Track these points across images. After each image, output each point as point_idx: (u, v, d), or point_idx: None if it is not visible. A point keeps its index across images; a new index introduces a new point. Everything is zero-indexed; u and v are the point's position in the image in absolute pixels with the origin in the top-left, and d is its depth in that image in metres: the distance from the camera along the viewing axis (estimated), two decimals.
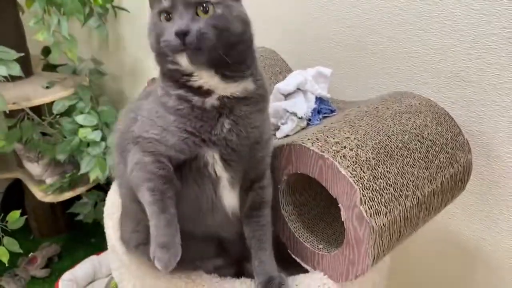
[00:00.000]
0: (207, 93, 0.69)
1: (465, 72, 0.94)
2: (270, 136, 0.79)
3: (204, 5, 0.63)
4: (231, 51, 0.66)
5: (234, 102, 0.70)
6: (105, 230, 0.94)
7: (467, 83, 0.94)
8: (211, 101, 0.69)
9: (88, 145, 1.73)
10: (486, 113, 0.92)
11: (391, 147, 0.78)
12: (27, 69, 1.79)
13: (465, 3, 0.90)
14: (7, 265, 1.67)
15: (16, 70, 1.54)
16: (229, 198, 0.78)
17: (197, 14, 0.63)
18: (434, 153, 0.82)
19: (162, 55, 0.68)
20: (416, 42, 1.00)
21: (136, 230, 0.85)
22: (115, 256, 0.91)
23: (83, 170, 1.72)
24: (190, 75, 0.68)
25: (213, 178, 0.74)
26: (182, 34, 0.62)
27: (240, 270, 0.89)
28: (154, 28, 0.66)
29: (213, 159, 0.72)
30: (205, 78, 0.68)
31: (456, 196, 0.89)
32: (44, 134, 1.80)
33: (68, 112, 1.75)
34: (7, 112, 1.60)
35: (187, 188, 0.75)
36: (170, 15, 0.64)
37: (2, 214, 1.72)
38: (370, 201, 0.71)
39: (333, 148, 0.74)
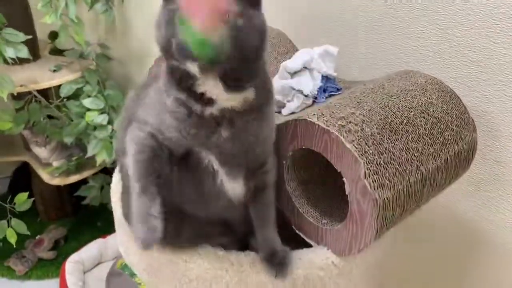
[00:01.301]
0: (208, 102, 0.66)
1: (471, 52, 0.94)
2: (271, 130, 0.77)
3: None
4: (243, 64, 0.62)
5: (233, 113, 0.67)
6: (112, 204, 0.96)
7: (473, 63, 0.94)
8: (211, 110, 0.66)
9: (95, 128, 1.75)
10: (492, 93, 0.92)
11: (396, 123, 0.78)
12: (34, 52, 1.80)
13: None
14: (14, 246, 1.70)
15: (24, 52, 1.55)
16: (232, 188, 0.77)
17: None
18: (439, 130, 0.82)
19: (169, 53, 0.61)
20: (422, 21, 1.00)
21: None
22: (122, 230, 0.92)
23: (90, 153, 1.74)
24: (193, 78, 0.64)
25: (211, 171, 0.73)
26: None
27: (245, 245, 0.90)
28: (166, 27, 0.60)
29: (208, 158, 0.72)
30: (209, 86, 0.64)
31: (461, 175, 0.89)
32: (51, 117, 1.82)
33: (75, 95, 1.76)
34: (15, 94, 1.62)
35: (187, 176, 0.74)
36: None
37: (10, 196, 1.75)
38: (374, 174, 0.71)
39: (339, 122, 0.75)
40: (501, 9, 0.86)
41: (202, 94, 0.65)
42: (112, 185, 0.99)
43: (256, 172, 0.79)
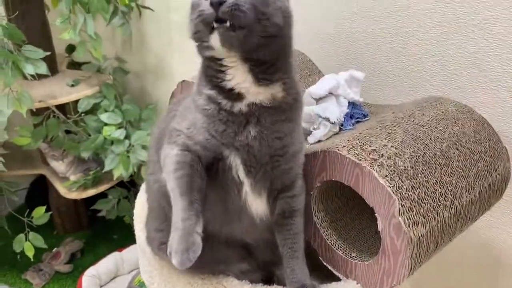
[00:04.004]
0: (238, 97, 0.68)
1: (502, 77, 0.91)
2: (300, 147, 0.77)
3: None
4: (266, 44, 0.63)
5: (262, 110, 0.69)
6: (134, 232, 0.95)
7: (505, 88, 0.92)
8: (240, 106, 0.68)
9: (112, 143, 1.74)
10: None
11: (429, 156, 0.76)
12: (52, 67, 1.80)
13: (504, 6, 0.87)
14: (32, 259, 1.70)
15: (43, 69, 1.55)
16: (255, 204, 0.77)
17: None
18: (473, 161, 0.80)
19: (198, 38, 0.65)
20: (450, 45, 0.98)
21: (160, 229, 0.85)
22: (145, 259, 0.91)
23: (107, 167, 1.73)
24: (224, 72, 0.67)
25: (237, 182, 0.73)
26: (217, 3, 0.59)
27: (267, 275, 0.88)
28: (193, 10, 0.64)
29: (235, 164, 0.72)
30: (238, 78, 0.67)
31: (493, 205, 0.87)
32: (68, 132, 1.82)
33: (93, 110, 1.76)
34: (34, 110, 1.62)
35: (215, 191, 0.74)
36: None
37: (28, 210, 1.76)
38: (409, 211, 0.69)
39: (370, 156, 0.73)
40: None
41: (232, 90, 0.67)
42: (135, 211, 0.98)
43: (284, 194, 0.78)
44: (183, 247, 0.65)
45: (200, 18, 0.62)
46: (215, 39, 0.62)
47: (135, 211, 0.98)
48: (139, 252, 0.94)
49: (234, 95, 0.68)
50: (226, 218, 0.78)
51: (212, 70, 0.69)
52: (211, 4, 0.60)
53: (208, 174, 0.73)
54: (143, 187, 1.04)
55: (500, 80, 0.92)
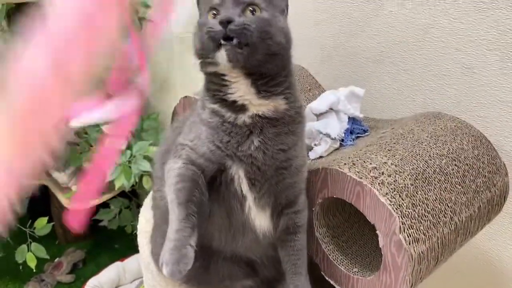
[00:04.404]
0: (241, 109, 0.70)
1: (500, 92, 0.93)
2: (304, 162, 0.79)
3: (252, 7, 0.65)
4: (269, 61, 0.67)
5: (265, 121, 0.71)
6: (136, 243, 0.96)
7: (502, 103, 0.93)
8: (244, 118, 0.70)
9: None
10: None
11: (428, 172, 0.78)
12: None
13: (500, 23, 0.89)
14: (34, 270, 1.71)
15: None
16: (258, 219, 0.78)
17: (243, 13, 0.65)
18: (471, 177, 0.81)
19: (203, 54, 0.68)
20: (448, 60, 0.99)
21: None
22: (149, 273, 0.92)
23: (108, 178, 1.74)
24: (227, 86, 0.69)
25: (239, 196, 0.75)
26: (226, 22, 0.63)
27: None
28: (200, 28, 0.67)
29: (238, 176, 0.73)
30: (241, 91, 0.69)
31: (492, 219, 0.88)
32: (70, 142, 1.83)
33: None
34: None
35: (218, 206, 0.75)
36: (218, 12, 0.66)
37: (30, 221, 1.77)
38: (409, 228, 0.71)
39: (371, 174, 0.74)
40: None
41: (235, 102, 0.69)
42: (139, 226, 0.99)
43: (288, 210, 0.79)
44: (175, 259, 0.66)
45: (208, 35, 0.65)
46: (222, 56, 0.65)
47: (138, 226, 0.99)
48: (143, 267, 0.95)
49: (237, 107, 0.70)
50: (230, 234, 0.79)
51: (215, 85, 0.71)
52: (221, 22, 0.63)
53: (211, 188, 0.74)
54: (146, 202, 1.06)
55: (497, 95, 0.93)
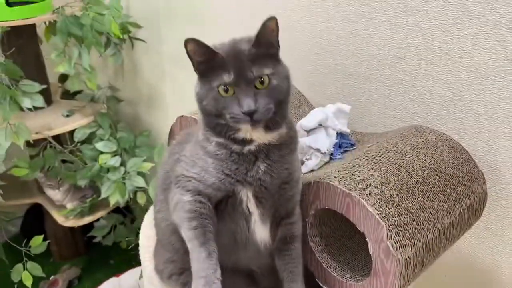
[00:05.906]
0: (248, 142, 0.75)
1: (476, 105, 1.00)
2: (300, 174, 0.85)
3: (262, 78, 0.70)
4: (279, 109, 0.73)
5: (269, 147, 0.76)
6: (141, 263, 1.00)
7: (478, 115, 1.00)
8: (250, 147, 0.75)
9: (108, 170, 1.79)
10: (498, 144, 0.98)
11: (412, 183, 0.84)
12: (47, 98, 1.85)
13: (476, 43, 0.96)
14: None
15: (40, 101, 1.61)
16: (261, 232, 0.84)
17: (256, 87, 0.70)
18: (452, 186, 0.88)
19: (217, 118, 0.73)
20: (428, 76, 1.06)
21: (172, 260, 0.90)
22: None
23: (103, 195, 1.77)
24: (238, 130, 0.74)
25: (246, 214, 0.80)
26: (251, 114, 0.69)
27: None
28: (214, 100, 0.72)
29: (247, 197, 0.79)
30: (250, 131, 0.74)
31: (473, 224, 0.94)
32: (64, 161, 1.86)
33: (88, 139, 1.81)
34: (31, 141, 1.66)
35: (223, 224, 0.81)
36: (231, 89, 0.70)
37: (25, 239, 1.78)
38: (396, 235, 0.76)
39: (359, 186, 0.80)
40: (504, 67, 0.93)
41: (242, 137, 0.75)
42: (141, 242, 1.03)
43: (285, 221, 0.85)
44: None
45: (233, 121, 0.71)
46: (245, 128, 0.72)
47: (140, 242, 1.03)
48: (145, 282, 0.99)
49: (245, 141, 0.75)
50: (233, 248, 0.84)
51: (222, 127, 0.75)
52: (246, 114, 0.69)
53: (217, 209, 0.80)
54: (146, 220, 1.10)
55: (474, 109, 1.00)
